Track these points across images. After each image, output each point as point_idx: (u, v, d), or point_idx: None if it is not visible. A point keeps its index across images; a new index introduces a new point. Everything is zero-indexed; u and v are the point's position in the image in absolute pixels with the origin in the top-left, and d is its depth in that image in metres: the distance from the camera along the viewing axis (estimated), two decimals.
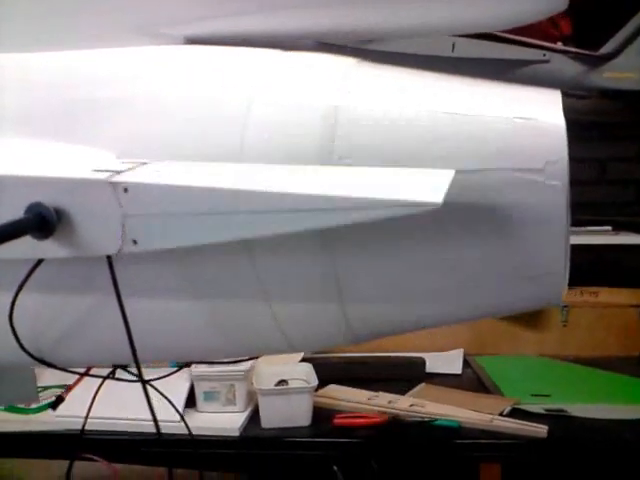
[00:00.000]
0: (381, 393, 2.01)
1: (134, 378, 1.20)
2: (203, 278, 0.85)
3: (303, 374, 1.96)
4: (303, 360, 2.09)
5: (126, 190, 0.68)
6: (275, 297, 0.86)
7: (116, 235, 0.69)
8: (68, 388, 1.40)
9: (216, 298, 0.86)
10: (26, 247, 0.69)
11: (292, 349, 0.95)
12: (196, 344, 0.92)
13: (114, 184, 0.68)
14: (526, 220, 0.83)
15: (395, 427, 1.86)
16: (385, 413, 1.90)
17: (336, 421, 1.88)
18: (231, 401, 1.94)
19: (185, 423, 1.42)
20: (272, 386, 1.91)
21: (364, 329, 0.91)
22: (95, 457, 1.16)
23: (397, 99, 0.87)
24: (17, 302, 0.88)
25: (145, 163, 0.75)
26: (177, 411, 1.31)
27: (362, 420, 1.89)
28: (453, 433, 1.81)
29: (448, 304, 0.89)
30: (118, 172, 0.70)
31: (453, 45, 2.01)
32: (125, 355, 0.96)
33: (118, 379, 1.14)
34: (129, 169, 0.72)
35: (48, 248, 0.70)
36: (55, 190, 0.69)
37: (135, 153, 0.83)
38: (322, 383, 1.98)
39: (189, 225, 0.69)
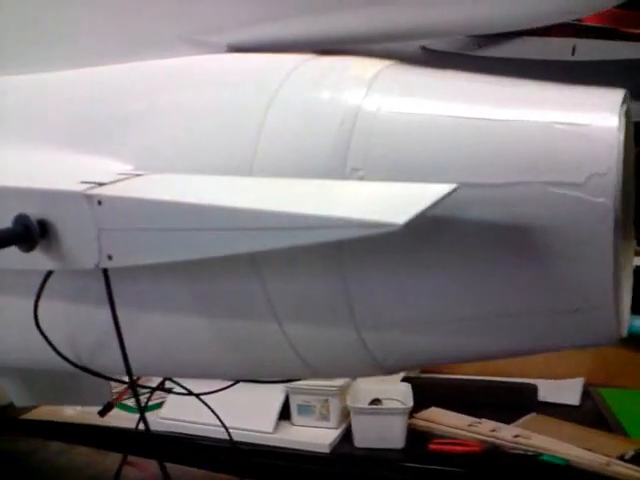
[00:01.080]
0: (484, 420, 1.86)
1: (184, 391, 1.21)
2: (212, 294, 0.81)
3: (399, 394, 1.87)
4: (404, 379, 1.99)
5: (100, 203, 0.66)
6: (286, 318, 0.80)
7: (93, 249, 0.67)
8: (118, 397, 1.42)
9: (225, 316, 0.82)
10: (13, 258, 0.69)
11: (315, 374, 0.88)
12: (207, 361, 0.88)
13: (89, 197, 0.67)
14: (562, 244, 0.70)
15: (495, 458, 1.71)
16: (486, 442, 1.76)
17: (432, 446, 1.77)
18: (325, 416, 1.89)
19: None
20: (366, 405, 1.84)
21: (389, 359, 0.83)
22: (134, 461, 1.17)
23: (422, 105, 0.78)
24: (52, 310, 0.89)
25: (140, 175, 0.72)
26: (223, 426, 1.27)
27: (460, 447, 1.76)
28: (559, 472, 1.64)
29: (478, 336, 0.78)
30: (100, 184, 0.68)
31: (573, 48, 1.83)
32: (152, 366, 0.95)
33: (168, 390, 1.14)
34: (115, 181, 0.70)
35: (33, 260, 0.70)
36: (40, 202, 0.68)
37: (152, 165, 0.81)
38: (422, 404, 1.88)
39: (162, 241, 0.65)
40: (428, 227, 0.73)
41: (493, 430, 1.80)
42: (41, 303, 0.87)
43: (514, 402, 1.95)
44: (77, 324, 0.92)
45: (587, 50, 1.81)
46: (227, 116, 0.82)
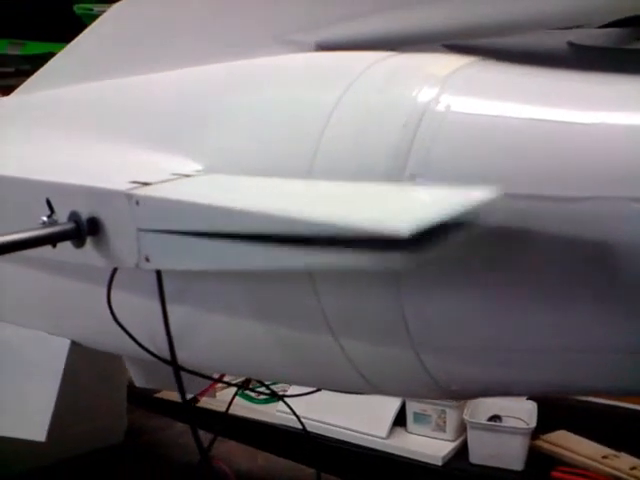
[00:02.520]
0: (623, 454, 1.66)
1: (268, 391, 1.20)
2: (271, 302, 0.79)
3: (523, 412, 1.74)
4: (531, 397, 1.85)
5: (137, 203, 0.66)
6: (341, 331, 0.76)
7: (133, 249, 0.67)
8: (201, 393, 1.43)
9: (280, 323, 0.79)
10: (68, 252, 0.71)
11: (376, 391, 0.83)
12: (265, 364, 0.86)
13: (129, 196, 0.66)
14: None
15: None
16: None
17: (555, 474, 1.63)
18: (441, 427, 1.81)
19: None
20: (484, 420, 1.73)
21: (453, 384, 0.75)
22: (220, 463, 1.17)
23: (494, 106, 0.70)
24: (133, 303, 0.92)
25: (190, 176, 0.71)
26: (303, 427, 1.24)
27: None
28: None
29: (553, 369, 0.69)
30: (146, 184, 0.68)
31: None
32: (216, 364, 0.94)
33: (251, 389, 1.13)
34: (162, 182, 0.69)
35: (84, 255, 0.71)
36: (90, 200, 0.70)
37: (222, 165, 0.80)
38: (550, 426, 1.73)
39: (198, 247, 0.63)
40: (489, 244, 0.65)
41: (634, 468, 1.60)
42: (121, 296, 0.90)
43: None
44: (155, 316, 0.94)
45: None
46: (293, 116, 0.79)
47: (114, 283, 0.89)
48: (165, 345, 0.97)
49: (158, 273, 0.73)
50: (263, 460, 1.81)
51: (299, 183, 0.69)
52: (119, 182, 0.69)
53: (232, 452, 1.73)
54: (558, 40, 1.26)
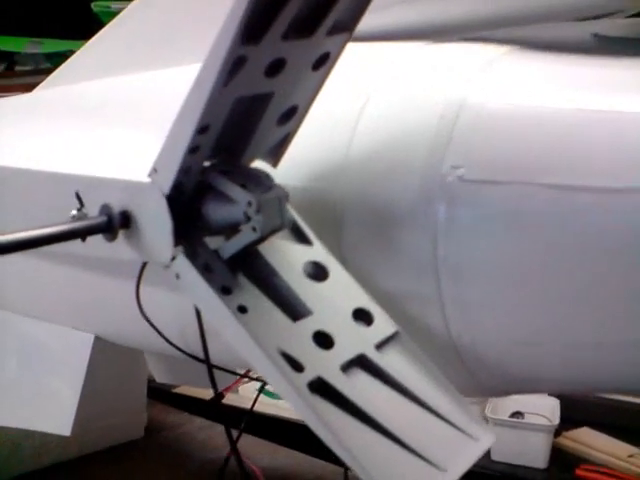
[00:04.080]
0: None
1: None
2: None
3: (545, 409, 1.71)
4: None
5: None
6: None
7: (167, 244, 0.65)
8: (226, 388, 1.42)
9: None
10: (100, 245, 0.70)
11: None
12: None
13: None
14: None
15: None
16: None
17: (579, 472, 1.60)
18: None
19: None
20: (506, 417, 1.71)
21: (492, 380, 0.74)
22: (245, 459, 1.16)
23: (537, 96, 0.68)
24: (161, 297, 0.90)
25: None
26: None
27: None
28: None
29: (604, 365, 0.67)
30: None
31: None
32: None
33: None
34: None
35: (116, 249, 0.70)
36: (121, 193, 0.68)
37: None
38: (573, 422, 1.71)
39: None
40: (533, 235, 0.63)
41: None
42: (149, 290, 0.88)
43: None
44: (187, 312, 0.92)
45: None
46: (326, 106, 0.78)
47: (128, 275, 0.87)
48: (195, 341, 0.96)
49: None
50: (284, 456, 1.80)
51: None
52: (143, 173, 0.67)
53: (252, 448, 1.72)
54: (582, 31, 1.24)
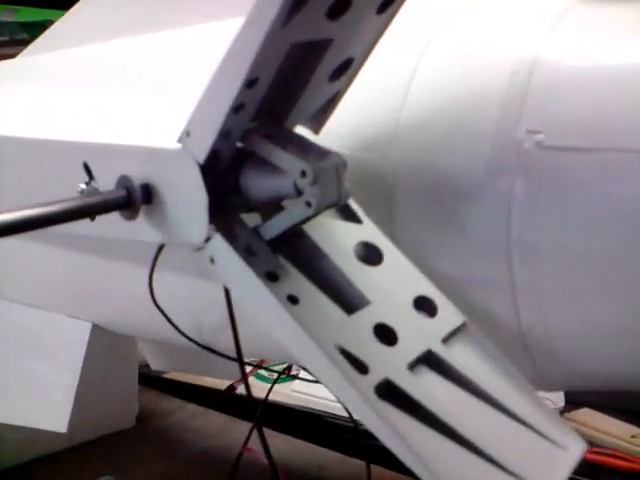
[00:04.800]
0: None
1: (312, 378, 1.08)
2: None
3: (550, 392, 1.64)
4: None
5: None
6: None
7: (202, 222, 0.53)
8: (238, 380, 1.32)
9: None
10: (115, 225, 0.57)
11: None
12: None
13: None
14: None
15: None
16: None
17: (589, 456, 1.52)
18: None
19: None
20: None
21: (556, 373, 0.64)
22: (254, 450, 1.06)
23: (622, 51, 0.57)
24: (175, 284, 0.79)
25: None
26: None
27: (621, 462, 1.50)
28: None
29: None
30: None
31: None
32: (271, 351, 0.82)
33: (294, 377, 1.01)
34: None
35: (136, 229, 0.58)
36: (144, 162, 0.56)
37: None
38: (574, 404, 1.64)
39: None
40: (624, 214, 0.53)
41: None
42: (163, 276, 0.76)
43: None
44: (201, 301, 0.81)
45: None
46: (374, 63, 0.66)
47: (138, 259, 0.76)
48: (209, 331, 0.85)
49: None
50: (282, 442, 1.69)
51: None
52: (175, 141, 0.55)
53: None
54: None
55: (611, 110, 0.55)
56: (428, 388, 0.53)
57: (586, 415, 1.66)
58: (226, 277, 0.55)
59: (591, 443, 1.55)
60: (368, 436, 1.43)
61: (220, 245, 0.53)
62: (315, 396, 1.77)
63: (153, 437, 1.69)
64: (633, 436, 1.58)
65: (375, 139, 0.63)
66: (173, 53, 0.84)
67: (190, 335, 0.85)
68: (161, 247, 0.68)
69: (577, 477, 1.48)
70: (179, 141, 0.53)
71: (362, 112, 0.64)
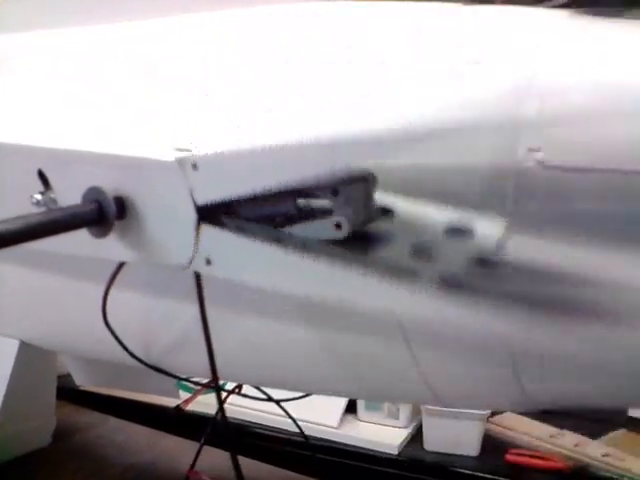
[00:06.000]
0: (566, 432, 1.63)
1: (263, 396, 1.02)
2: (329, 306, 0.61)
3: None
4: None
5: (195, 167, 0.45)
6: (418, 341, 0.59)
7: (187, 243, 0.46)
8: (187, 400, 1.24)
9: (342, 331, 0.61)
10: (82, 242, 0.49)
11: (440, 404, 0.68)
12: (310, 376, 0.68)
13: (181, 161, 0.45)
14: None
15: (582, 479, 1.48)
16: (570, 458, 1.53)
17: (509, 457, 1.55)
18: (394, 414, 1.69)
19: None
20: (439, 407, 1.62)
21: (543, 396, 0.61)
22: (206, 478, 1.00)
23: (626, 67, 0.56)
24: (126, 301, 0.71)
25: None
26: (302, 432, 1.08)
27: (540, 462, 1.54)
28: None
29: None
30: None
31: None
32: (240, 373, 0.75)
33: (244, 395, 0.95)
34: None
35: (107, 247, 0.50)
36: (115, 172, 0.48)
37: None
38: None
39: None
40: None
41: (577, 445, 1.58)
42: (111, 292, 0.68)
43: (600, 414, 1.71)
44: (152, 319, 0.73)
45: None
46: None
47: (88, 274, 0.68)
48: (158, 351, 0.77)
49: (198, 278, 0.53)
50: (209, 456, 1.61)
51: None
52: (156, 149, 0.48)
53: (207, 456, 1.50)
54: None
55: (612, 129, 0.53)
56: None
57: (510, 419, 1.70)
58: (234, 269, 0.47)
59: (515, 445, 1.59)
60: (320, 452, 1.37)
61: (217, 239, 0.46)
62: (247, 407, 1.71)
63: (74, 454, 1.56)
64: (552, 436, 1.63)
65: None
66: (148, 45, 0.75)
67: (137, 354, 0.77)
68: (121, 265, 0.60)
69: (500, 478, 1.51)
70: (171, 156, 0.45)
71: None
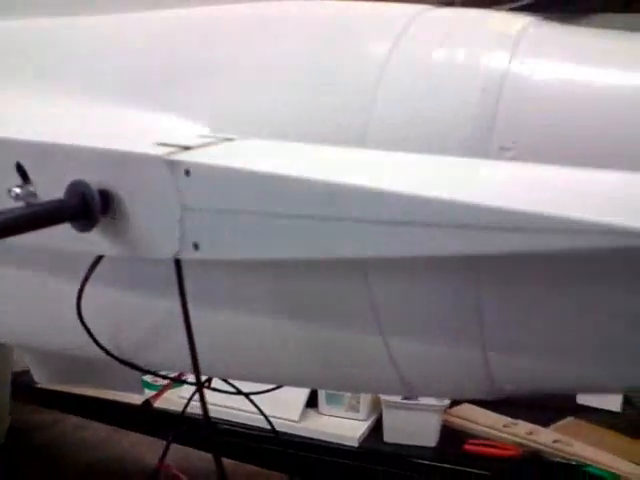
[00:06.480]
0: (520, 421, 1.68)
1: (232, 389, 1.03)
2: (303, 297, 0.62)
3: None
4: None
5: (188, 173, 0.46)
6: (391, 330, 0.61)
7: (173, 234, 0.47)
8: (156, 394, 1.23)
9: (316, 323, 0.63)
10: (65, 236, 0.49)
11: (410, 393, 0.70)
12: (288, 369, 0.69)
13: (173, 164, 0.47)
14: None
15: (534, 465, 1.54)
16: (523, 446, 1.58)
17: (466, 447, 1.60)
18: (354, 407, 1.71)
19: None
20: (399, 399, 1.65)
21: (509, 383, 0.64)
22: (176, 471, 1.00)
23: (589, 69, 0.59)
24: (97, 296, 0.71)
25: (229, 139, 0.52)
26: (269, 422, 1.09)
27: (496, 450, 1.59)
28: None
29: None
30: (185, 148, 0.48)
31: None
32: (207, 365, 0.76)
33: (213, 389, 0.95)
34: (202, 145, 0.50)
35: (90, 241, 0.50)
36: (101, 167, 0.48)
37: (232, 127, 0.61)
38: (456, 401, 1.70)
39: (273, 230, 0.45)
40: None
41: (530, 433, 1.63)
42: (68, 285, 0.68)
43: (551, 403, 1.77)
44: (125, 313, 0.73)
45: None
46: (332, 72, 0.62)
47: (57, 267, 0.67)
48: (130, 346, 0.77)
49: (178, 263, 0.54)
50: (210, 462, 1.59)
51: (383, 155, 0.53)
52: (139, 144, 0.48)
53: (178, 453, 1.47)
54: None
55: (583, 127, 0.56)
56: None
57: (466, 410, 1.75)
58: (222, 248, 0.48)
59: (472, 435, 1.63)
60: (289, 446, 1.38)
61: (202, 222, 0.47)
62: (208, 403, 1.70)
63: (34, 453, 1.54)
64: (506, 425, 1.69)
65: None
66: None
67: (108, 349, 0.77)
68: (98, 260, 0.60)
69: (455, 467, 1.55)
70: (158, 151, 0.46)
71: (326, 131, 0.60)
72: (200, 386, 0.63)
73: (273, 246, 0.46)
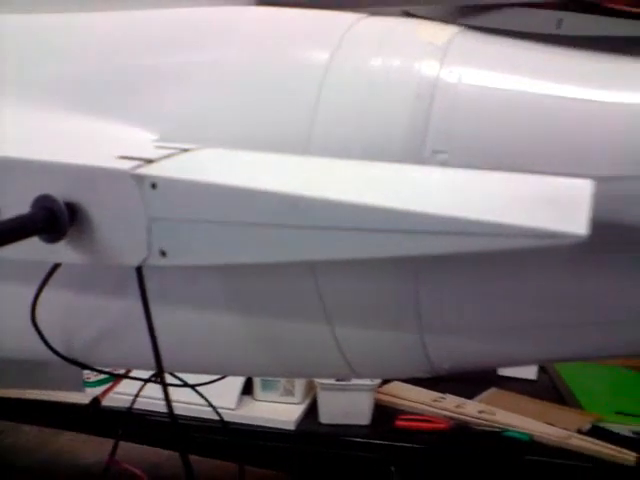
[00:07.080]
0: (448, 395, 1.80)
1: (180, 382, 1.06)
2: (253, 291, 0.67)
3: None
4: None
5: (154, 186, 0.50)
6: (337, 318, 0.67)
7: (140, 243, 0.51)
8: (105, 391, 1.25)
9: (267, 315, 0.68)
10: (33, 247, 0.52)
11: (355, 376, 0.76)
12: (239, 360, 0.74)
13: (139, 178, 0.50)
14: None
15: (462, 435, 1.65)
16: (452, 418, 1.69)
17: (398, 423, 1.69)
18: (289, 392, 1.78)
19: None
20: (333, 381, 1.73)
21: (445, 363, 0.72)
22: (128, 466, 1.03)
23: (514, 78, 0.66)
24: (49, 299, 0.73)
25: (187, 150, 0.56)
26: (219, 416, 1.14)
27: (426, 424, 1.69)
28: (524, 447, 1.59)
29: (565, 342, 0.69)
30: (148, 161, 0.52)
31: (559, 21, 1.72)
32: (169, 362, 0.79)
33: (161, 383, 0.98)
34: (164, 157, 0.53)
35: (59, 251, 0.53)
36: (67, 181, 0.51)
37: (181, 135, 0.65)
38: (387, 380, 1.79)
39: (236, 238, 0.50)
40: None
41: (458, 406, 1.74)
42: (33, 291, 0.70)
43: (474, 376, 1.90)
44: (79, 313, 0.76)
45: (573, 24, 1.70)
46: (277, 81, 0.67)
47: (7, 272, 0.69)
48: (81, 345, 0.80)
49: (139, 270, 0.57)
50: (168, 458, 1.60)
51: (338, 164, 0.58)
52: (101, 158, 0.52)
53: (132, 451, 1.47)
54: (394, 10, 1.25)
55: (509, 131, 0.63)
56: None
57: (396, 388, 1.84)
58: (188, 255, 0.52)
59: (403, 411, 1.73)
60: (238, 435, 1.42)
61: (168, 230, 0.51)
62: (142, 396, 1.72)
63: None
64: (435, 400, 1.79)
65: None
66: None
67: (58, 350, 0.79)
68: (55, 267, 0.63)
69: (388, 443, 1.65)
70: (124, 165, 0.49)
71: (272, 140, 0.65)
72: (165, 385, 0.67)
73: (238, 252, 0.50)
